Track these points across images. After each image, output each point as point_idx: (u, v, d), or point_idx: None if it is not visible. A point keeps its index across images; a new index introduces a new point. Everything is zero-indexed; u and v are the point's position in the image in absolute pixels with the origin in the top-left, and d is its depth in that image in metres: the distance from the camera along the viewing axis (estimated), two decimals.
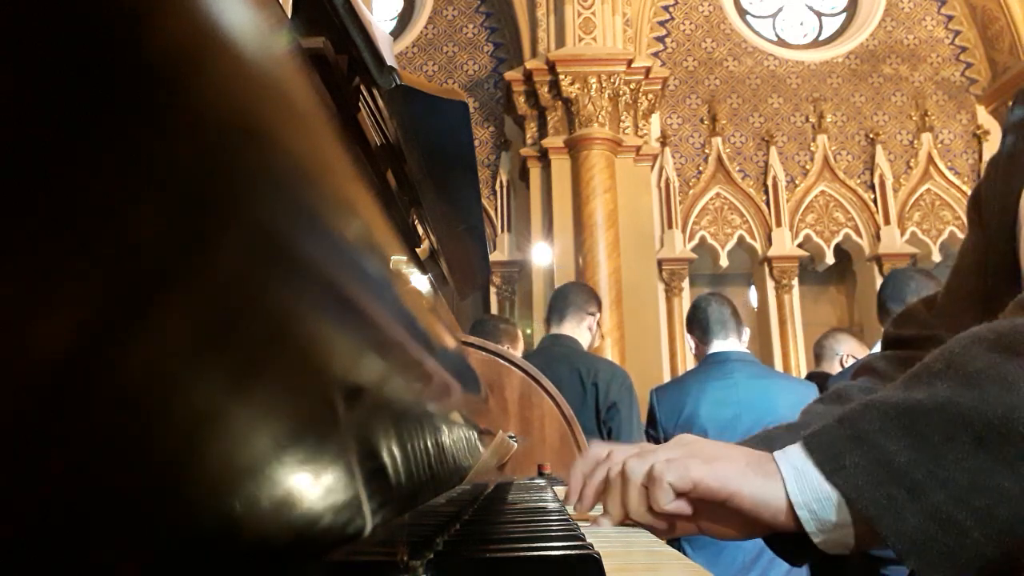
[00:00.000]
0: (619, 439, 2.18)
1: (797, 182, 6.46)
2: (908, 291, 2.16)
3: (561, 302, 2.42)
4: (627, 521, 0.65)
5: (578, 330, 2.39)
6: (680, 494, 0.60)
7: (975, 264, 0.72)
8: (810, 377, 2.81)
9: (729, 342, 2.30)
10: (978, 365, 0.50)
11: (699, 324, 2.35)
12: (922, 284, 2.17)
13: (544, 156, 5.91)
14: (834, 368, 2.76)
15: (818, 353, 2.91)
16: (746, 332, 2.40)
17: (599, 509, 0.69)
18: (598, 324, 2.46)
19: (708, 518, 0.62)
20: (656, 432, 2.29)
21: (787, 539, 0.58)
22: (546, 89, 5.89)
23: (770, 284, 6.35)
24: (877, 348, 2.38)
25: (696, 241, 6.36)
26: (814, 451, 0.54)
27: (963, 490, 0.47)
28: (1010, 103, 0.73)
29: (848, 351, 2.77)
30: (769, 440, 0.73)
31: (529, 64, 5.94)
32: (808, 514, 0.54)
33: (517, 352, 2.45)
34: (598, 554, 0.41)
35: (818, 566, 2.14)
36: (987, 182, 0.73)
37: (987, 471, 0.47)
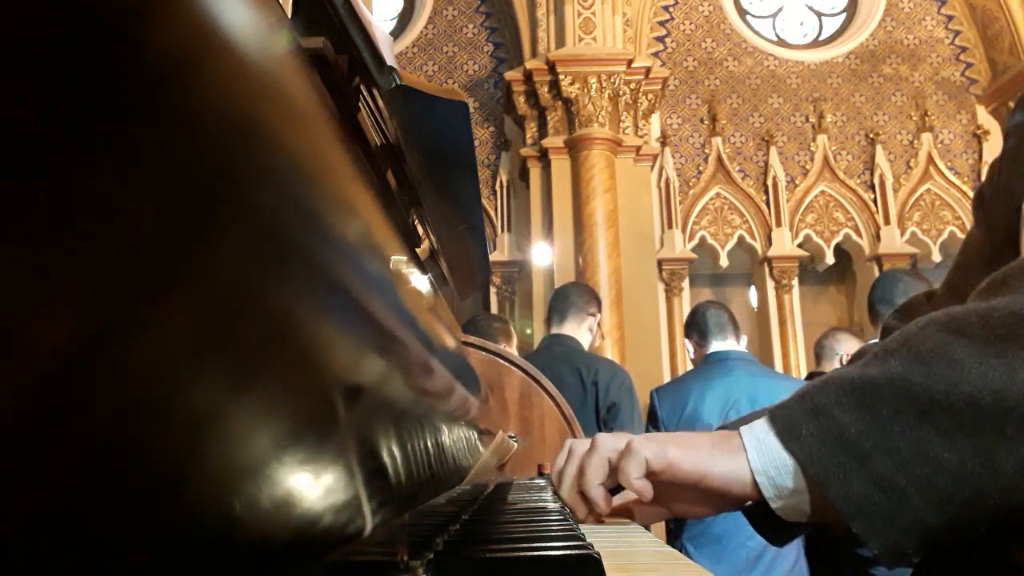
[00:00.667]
0: None
1: (797, 182, 6.46)
2: (897, 293, 2.17)
3: (562, 302, 2.42)
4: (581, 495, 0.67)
5: (579, 330, 2.39)
6: (650, 475, 0.63)
7: (979, 263, 0.73)
8: (810, 377, 2.81)
9: (728, 342, 2.32)
10: (929, 345, 0.52)
11: (697, 328, 2.37)
12: (911, 285, 2.18)
13: (544, 156, 5.91)
14: (834, 367, 2.76)
15: (818, 353, 2.92)
16: (744, 338, 2.41)
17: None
18: (599, 325, 2.46)
19: (676, 500, 0.65)
20: (658, 431, 2.30)
21: (768, 520, 0.61)
22: (546, 89, 5.89)
23: (770, 284, 6.35)
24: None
25: (696, 241, 6.36)
26: (776, 422, 0.58)
27: (906, 459, 0.50)
28: (1011, 105, 0.73)
29: (848, 350, 2.78)
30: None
31: (529, 64, 5.93)
32: (766, 480, 0.58)
33: (512, 350, 2.45)
34: (598, 554, 0.41)
35: (816, 567, 2.15)
36: (989, 183, 0.74)
37: (928, 442, 0.50)
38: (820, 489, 0.54)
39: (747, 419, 0.75)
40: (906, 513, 0.50)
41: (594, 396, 2.20)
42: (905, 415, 0.51)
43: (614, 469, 0.65)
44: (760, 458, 0.58)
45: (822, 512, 0.57)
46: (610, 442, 0.66)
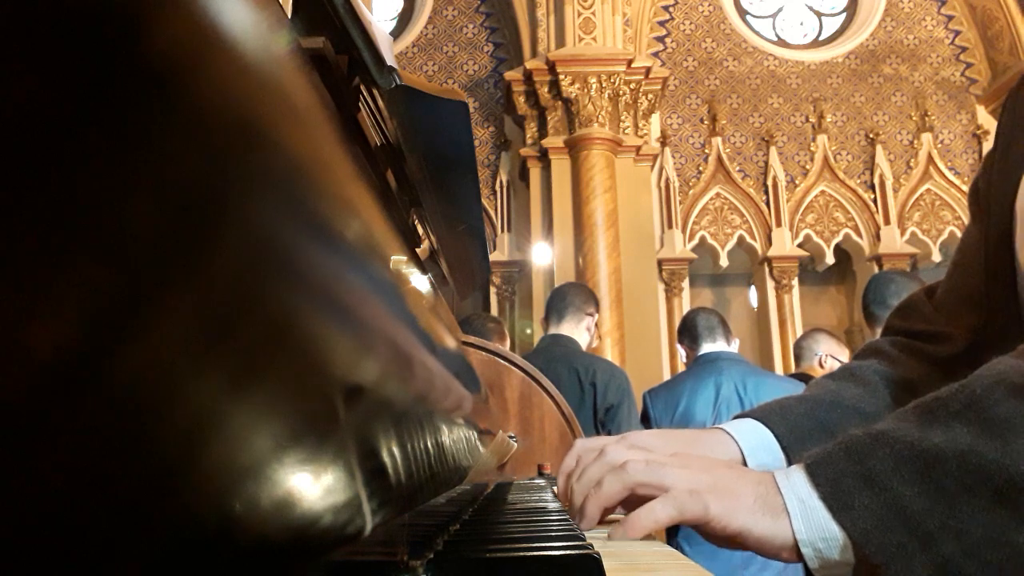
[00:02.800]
0: None
1: (797, 182, 6.47)
2: (889, 293, 2.19)
3: (560, 302, 2.43)
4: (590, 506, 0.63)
5: (576, 330, 2.39)
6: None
7: (977, 262, 0.72)
8: (796, 378, 2.82)
9: (718, 344, 2.35)
10: (1001, 412, 0.48)
11: (688, 332, 2.41)
12: (903, 285, 2.20)
13: (544, 156, 5.91)
14: (814, 368, 2.78)
15: (797, 354, 2.93)
16: (735, 341, 2.43)
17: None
18: (596, 325, 2.47)
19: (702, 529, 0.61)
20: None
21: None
22: (546, 89, 5.89)
23: (770, 284, 6.35)
24: None
25: (696, 241, 6.36)
26: (821, 484, 0.53)
27: (976, 544, 0.46)
28: (1003, 103, 0.73)
29: (827, 351, 2.79)
30: (783, 409, 0.74)
31: (529, 64, 5.94)
32: (812, 552, 0.53)
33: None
34: (598, 554, 0.41)
35: None
36: (984, 177, 0.73)
37: (1003, 526, 0.46)
38: (877, 571, 0.49)
39: (784, 405, 0.73)
40: None
41: (592, 397, 2.21)
42: (977, 495, 0.47)
43: (633, 490, 0.60)
44: (807, 528, 0.53)
45: (866, 573, 0.53)
46: (644, 474, 0.60)
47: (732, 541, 0.57)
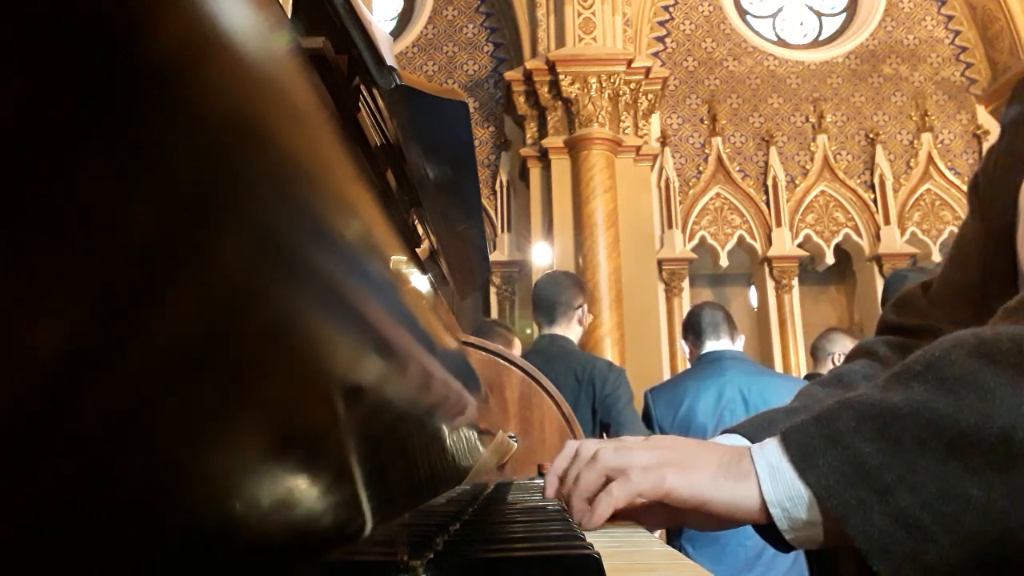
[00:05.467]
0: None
1: (797, 182, 6.47)
2: (892, 293, 2.20)
3: (546, 303, 2.38)
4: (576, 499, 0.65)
5: (569, 328, 2.36)
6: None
7: (975, 257, 0.72)
8: (808, 378, 2.82)
9: (722, 342, 2.33)
10: (956, 371, 0.50)
11: (692, 329, 2.38)
12: (915, 281, 2.21)
13: (544, 156, 5.91)
14: (827, 368, 2.77)
15: (814, 354, 2.94)
16: (740, 338, 2.41)
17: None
18: (586, 310, 2.43)
19: (684, 515, 0.62)
20: (652, 432, 2.30)
21: (777, 532, 0.59)
22: (546, 89, 5.89)
23: (770, 284, 6.35)
24: None
25: (696, 241, 6.36)
26: (790, 448, 0.55)
27: (931, 496, 0.48)
28: (1008, 98, 0.73)
29: (840, 350, 2.79)
30: (769, 423, 0.75)
31: (529, 64, 5.93)
32: (780, 512, 0.55)
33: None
34: (598, 554, 0.41)
35: (816, 564, 2.14)
36: (985, 172, 0.73)
37: (956, 478, 0.47)
38: (838, 524, 0.51)
39: (771, 418, 0.73)
40: (930, 552, 0.47)
41: (590, 397, 2.20)
42: (930, 448, 0.48)
43: (607, 477, 0.63)
44: (774, 488, 0.55)
45: (836, 542, 0.54)
46: (612, 459, 0.62)
47: (699, 512, 0.59)
